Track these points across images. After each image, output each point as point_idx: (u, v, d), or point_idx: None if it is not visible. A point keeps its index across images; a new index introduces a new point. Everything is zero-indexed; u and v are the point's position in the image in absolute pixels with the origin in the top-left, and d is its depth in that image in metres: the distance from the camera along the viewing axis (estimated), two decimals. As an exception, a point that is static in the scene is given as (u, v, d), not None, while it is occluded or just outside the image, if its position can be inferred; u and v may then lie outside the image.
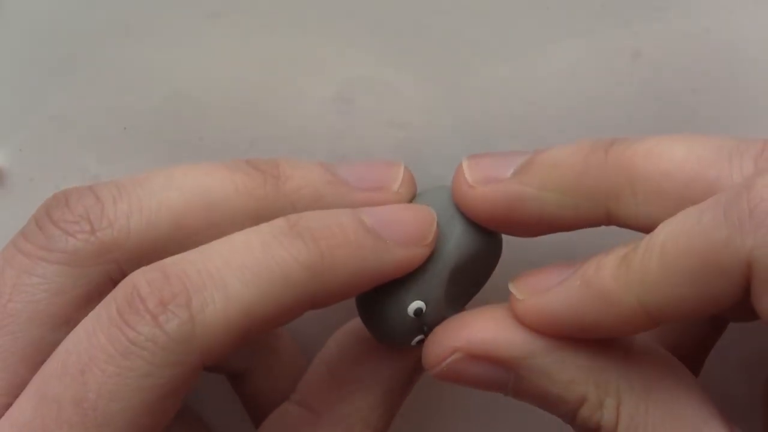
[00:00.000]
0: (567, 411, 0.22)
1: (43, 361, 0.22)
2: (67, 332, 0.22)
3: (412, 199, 0.25)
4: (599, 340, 0.22)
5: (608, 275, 0.21)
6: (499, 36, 0.27)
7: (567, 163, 0.23)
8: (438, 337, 0.23)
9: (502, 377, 0.22)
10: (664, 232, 0.20)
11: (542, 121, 0.26)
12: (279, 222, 0.23)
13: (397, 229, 0.23)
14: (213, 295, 0.21)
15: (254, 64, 0.27)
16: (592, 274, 0.21)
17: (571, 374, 0.22)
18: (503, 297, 0.23)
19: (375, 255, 0.23)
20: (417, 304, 0.24)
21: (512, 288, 0.23)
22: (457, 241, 0.24)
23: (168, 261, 0.22)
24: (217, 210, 0.23)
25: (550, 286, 0.22)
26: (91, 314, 0.22)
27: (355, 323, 0.26)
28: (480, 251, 0.25)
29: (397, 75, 0.27)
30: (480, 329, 0.23)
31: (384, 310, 0.24)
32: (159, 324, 0.21)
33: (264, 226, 0.23)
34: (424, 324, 0.24)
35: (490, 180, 0.24)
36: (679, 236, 0.20)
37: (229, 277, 0.21)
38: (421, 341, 0.24)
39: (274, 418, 0.26)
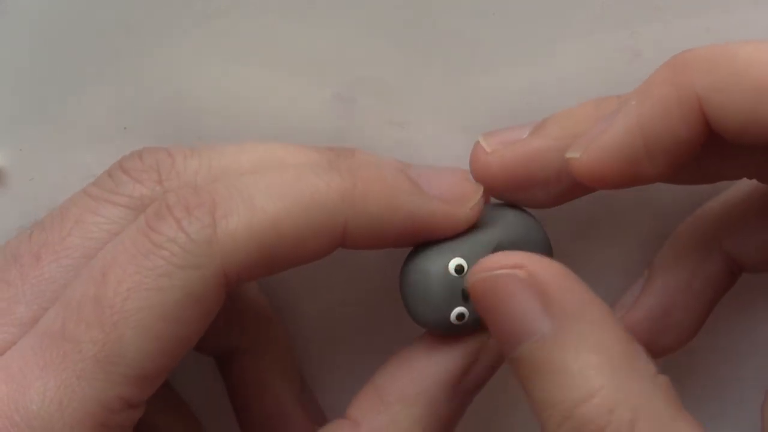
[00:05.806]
0: (567, 401, 0.20)
1: None
2: None
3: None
4: (634, 359, 0.21)
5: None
6: (500, 36, 0.27)
7: (581, 110, 0.24)
8: (508, 253, 0.22)
9: (535, 323, 0.21)
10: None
11: (542, 121, 0.26)
12: (322, 162, 0.23)
13: (438, 184, 0.24)
14: (239, 205, 0.22)
15: (254, 64, 0.27)
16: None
17: (598, 360, 0.20)
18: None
19: (411, 198, 0.23)
20: (458, 260, 0.24)
21: (482, 141, 0.24)
22: (507, 225, 0.24)
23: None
24: None
25: (516, 140, 0.24)
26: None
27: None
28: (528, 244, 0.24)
29: (397, 75, 0.27)
30: (551, 266, 0.21)
31: (424, 267, 0.24)
32: (182, 227, 0.21)
33: (307, 163, 0.23)
34: (467, 292, 0.23)
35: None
36: None
37: (257, 192, 0.22)
38: (462, 318, 0.24)
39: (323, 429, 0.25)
